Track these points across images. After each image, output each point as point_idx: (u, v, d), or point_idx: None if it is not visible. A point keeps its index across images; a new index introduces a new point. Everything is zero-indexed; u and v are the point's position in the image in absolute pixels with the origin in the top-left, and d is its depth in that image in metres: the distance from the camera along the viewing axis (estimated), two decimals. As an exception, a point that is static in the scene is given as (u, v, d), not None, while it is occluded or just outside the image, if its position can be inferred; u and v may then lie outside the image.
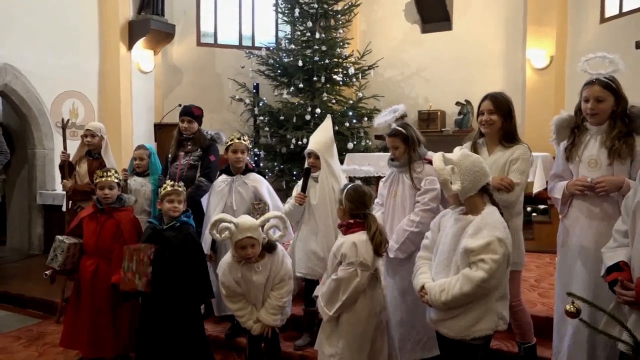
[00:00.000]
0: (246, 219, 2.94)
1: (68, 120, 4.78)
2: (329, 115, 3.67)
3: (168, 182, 3.31)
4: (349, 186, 2.76)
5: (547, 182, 5.13)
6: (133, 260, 3.09)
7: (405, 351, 3.05)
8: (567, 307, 1.92)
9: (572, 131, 2.66)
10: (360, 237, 2.63)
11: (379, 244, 2.62)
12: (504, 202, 2.66)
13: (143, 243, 3.16)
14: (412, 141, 3.06)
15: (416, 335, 3.04)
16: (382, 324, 2.73)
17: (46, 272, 3.49)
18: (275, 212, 3.13)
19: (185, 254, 3.17)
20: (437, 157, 2.40)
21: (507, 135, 2.81)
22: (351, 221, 2.69)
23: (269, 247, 3.01)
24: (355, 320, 2.64)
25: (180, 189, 3.27)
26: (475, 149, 2.89)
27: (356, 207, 2.68)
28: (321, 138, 3.50)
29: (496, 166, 2.78)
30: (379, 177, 6.01)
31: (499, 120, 2.80)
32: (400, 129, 3.08)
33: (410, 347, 3.05)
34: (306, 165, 3.48)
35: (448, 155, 2.39)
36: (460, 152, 2.40)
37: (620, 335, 1.81)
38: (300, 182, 3.52)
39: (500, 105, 2.80)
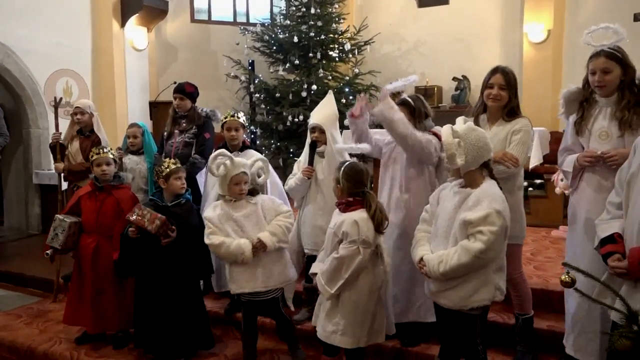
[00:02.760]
0: (240, 158, 3.13)
1: (61, 99, 4.74)
2: (330, 91, 3.65)
3: (169, 160, 3.33)
4: (346, 164, 2.75)
5: (543, 156, 5.16)
6: (145, 215, 3.09)
7: (403, 315, 3.13)
8: (562, 277, 1.95)
9: (581, 104, 2.64)
10: (361, 215, 2.63)
11: (380, 222, 2.63)
12: (504, 174, 2.67)
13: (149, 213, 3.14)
14: (417, 113, 3.09)
15: (416, 301, 3.12)
16: (381, 299, 2.75)
17: (47, 252, 3.51)
18: (259, 155, 3.23)
19: (192, 231, 3.21)
20: (445, 130, 2.38)
21: (511, 111, 2.80)
22: (350, 199, 2.69)
23: (252, 191, 3.13)
24: (356, 297, 2.66)
25: (181, 166, 3.34)
26: (477, 124, 2.86)
27: (354, 186, 2.67)
28: (326, 112, 3.47)
29: (497, 139, 2.77)
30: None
31: (507, 96, 2.78)
32: (408, 99, 3.11)
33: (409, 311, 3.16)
34: (309, 140, 3.46)
35: (455, 127, 2.38)
36: (466, 125, 2.38)
37: (613, 304, 1.84)
38: (300, 159, 3.51)
39: (510, 82, 2.79)
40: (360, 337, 2.67)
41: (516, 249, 2.87)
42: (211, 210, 3.08)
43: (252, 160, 3.18)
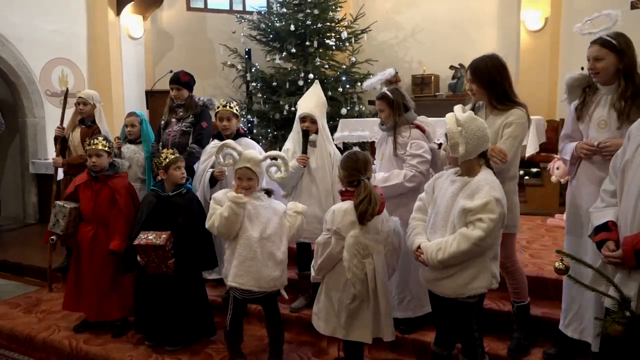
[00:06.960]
0: (251, 152, 3.01)
1: (67, 90, 4.71)
2: (316, 80, 3.66)
3: (167, 150, 3.33)
4: (345, 153, 2.76)
5: (540, 144, 5.16)
6: (152, 255, 3.11)
7: (396, 310, 3.14)
8: (556, 264, 1.97)
9: (584, 90, 2.64)
10: (343, 205, 2.64)
11: (363, 212, 2.53)
12: (495, 169, 2.68)
13: (153, 232, 3.13)
14: (396, 106, 3.10)
15: (408, 295, 3.15)
16: (367, 297, 2.65)
17: (52, 238, 3.56)
18: (278, 152, 3.03)
19: (194, 220, 3.22)
20: (450, 118, 2.37)
21: (498, 98, 2.75)
22: (343, 189, 2.71)
23: (268, 192, 3.03)
24: (333, 285, 2.71)
25: (179, 155, 3.35)
26: (476, 113, 2.88)
27: (349, 175, 2.66)
28: (316, 101, 3.47)
29: (491, 130, 2.72)
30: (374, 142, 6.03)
31: (479, 89, 2.77)
32: (387, 92, 3.14)
33: (403, 307, 3.17)
34: (296, 127, 3.46)
35: (457, 115, 2.37)
36: (467, 114, 2.37)
37: (607, 292, 1.87)
38: (287, 147, 3.50)
39: (477, 74, 2.76)
40: (337, 327, 2.70)
41: (510, 238, 2.88)
42: (221, 193, 2.99)
43: (268, 154, 3.00)
